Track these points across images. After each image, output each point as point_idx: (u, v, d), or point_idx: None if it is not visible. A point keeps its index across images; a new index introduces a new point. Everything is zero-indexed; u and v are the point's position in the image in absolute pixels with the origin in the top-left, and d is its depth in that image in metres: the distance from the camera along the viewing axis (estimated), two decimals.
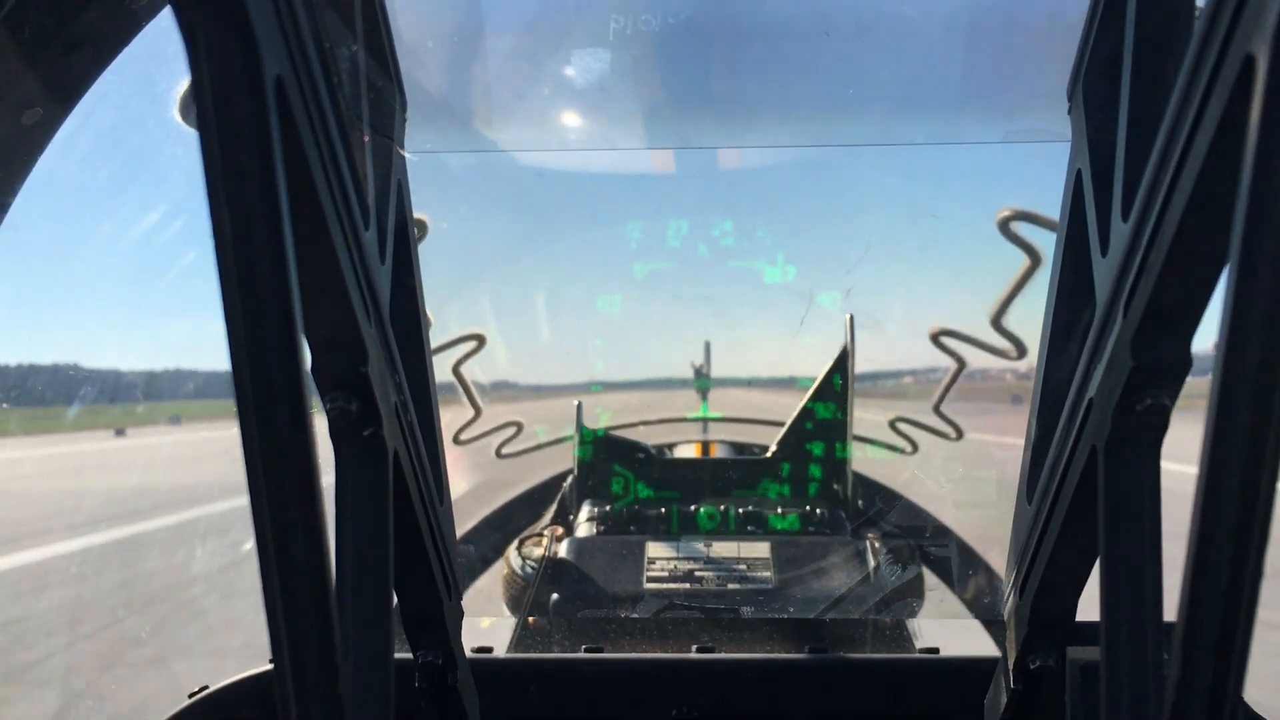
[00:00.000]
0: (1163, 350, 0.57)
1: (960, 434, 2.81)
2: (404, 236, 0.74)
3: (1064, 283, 0.78)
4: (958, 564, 2.21)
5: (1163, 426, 0.61)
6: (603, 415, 2.44)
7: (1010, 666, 0.84)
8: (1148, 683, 0.61)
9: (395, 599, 0.78)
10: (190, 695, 1.33)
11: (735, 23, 1.36)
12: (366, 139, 0.64)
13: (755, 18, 1.35)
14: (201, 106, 0.42)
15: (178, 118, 1.70)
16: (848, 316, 2.10)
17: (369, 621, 0.61)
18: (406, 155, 0.75)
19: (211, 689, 1.31)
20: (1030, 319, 2.28)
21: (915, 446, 2.99)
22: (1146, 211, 0.55)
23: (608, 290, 2.66)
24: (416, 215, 2.02)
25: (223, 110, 0.42)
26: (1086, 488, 0.67)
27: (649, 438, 2.84)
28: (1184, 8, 0.55)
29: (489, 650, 1.46)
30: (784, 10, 1.33)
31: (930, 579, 2.11)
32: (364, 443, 0.61)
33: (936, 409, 2.75)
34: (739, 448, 2.66)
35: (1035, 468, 0.80)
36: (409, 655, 0.86)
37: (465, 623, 2.16)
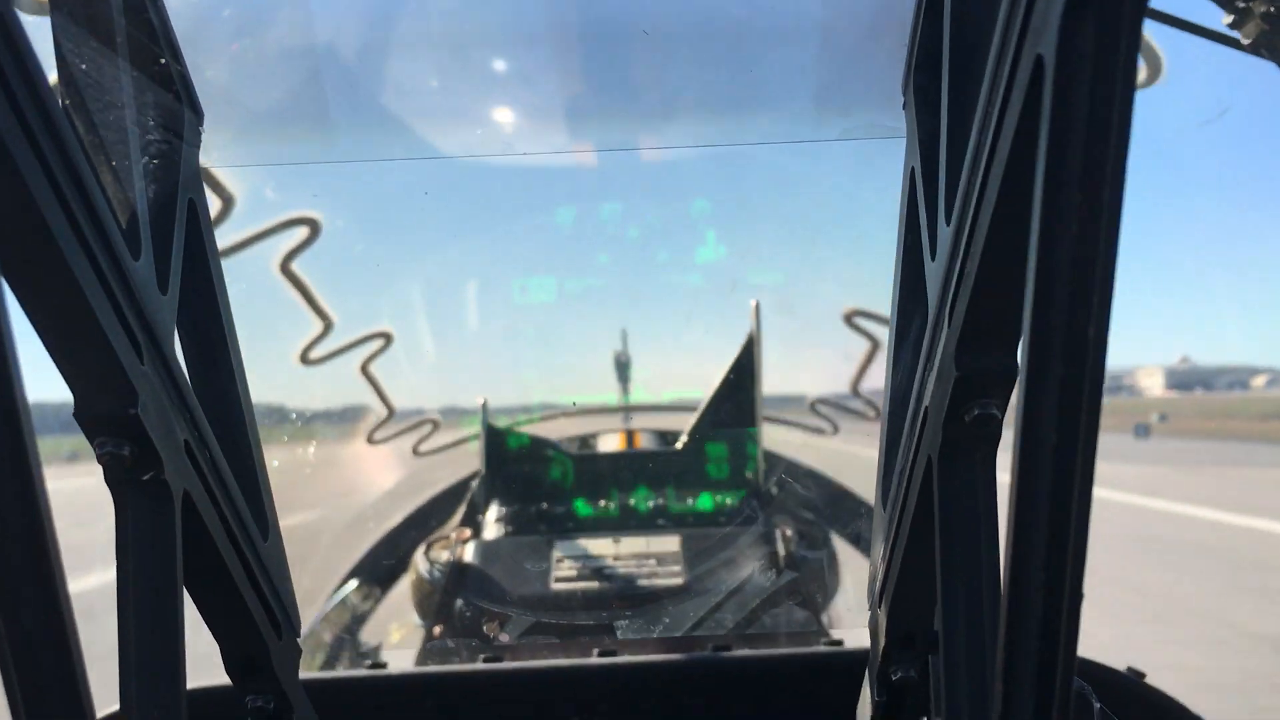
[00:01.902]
0: (987, 359, 0.55)
1: (878, 413, 2.82)
2: (199, 260, 0.68)
3: (903, 287, 0.75)
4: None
5: (994, 436, 0.59)
6: (511, 418, 2.39)
7: (875, 677, 0.82)
8: (985, 680, 0.59)
9: (218, 644, 0.73)
10: None
11: (571, 25, 1.32)
12: (137, 160, 0.58)
13: (600, 18, 1.31)
14: None
15: None
16: (753, 303, 2.08)
17: (158, 676, 0.56)
18: (212, 169, 0.68)
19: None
20: None
21: (836, 427, 3.00)
22: (964, 215, 0.52)
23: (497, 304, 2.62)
24: (308, 214, 1.95)
25: None
26: (925, 498, 0.65)
27: (569, 428, 2.80)
28: (989, 9, 0.52)
29: (383, 666, 1.41)
30: (620, 13, 1.29)
31: (848, 555, 2.10)
32: (143, 487, 0.56)
33: (854, 389, 2.76)
34: (660, 434, 2.63)
35: (886, 476, 0.78)
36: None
37: (377, 636, 2.10)
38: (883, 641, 0.78)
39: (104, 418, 0.53)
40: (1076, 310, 0.40)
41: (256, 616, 0.71)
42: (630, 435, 2.87)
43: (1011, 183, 0.46)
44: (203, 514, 0.62)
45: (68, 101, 0.47)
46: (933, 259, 0.62)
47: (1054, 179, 0.39)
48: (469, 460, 2.73)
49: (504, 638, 1.66)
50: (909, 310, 0.74)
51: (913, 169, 0.70)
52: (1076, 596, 0.44)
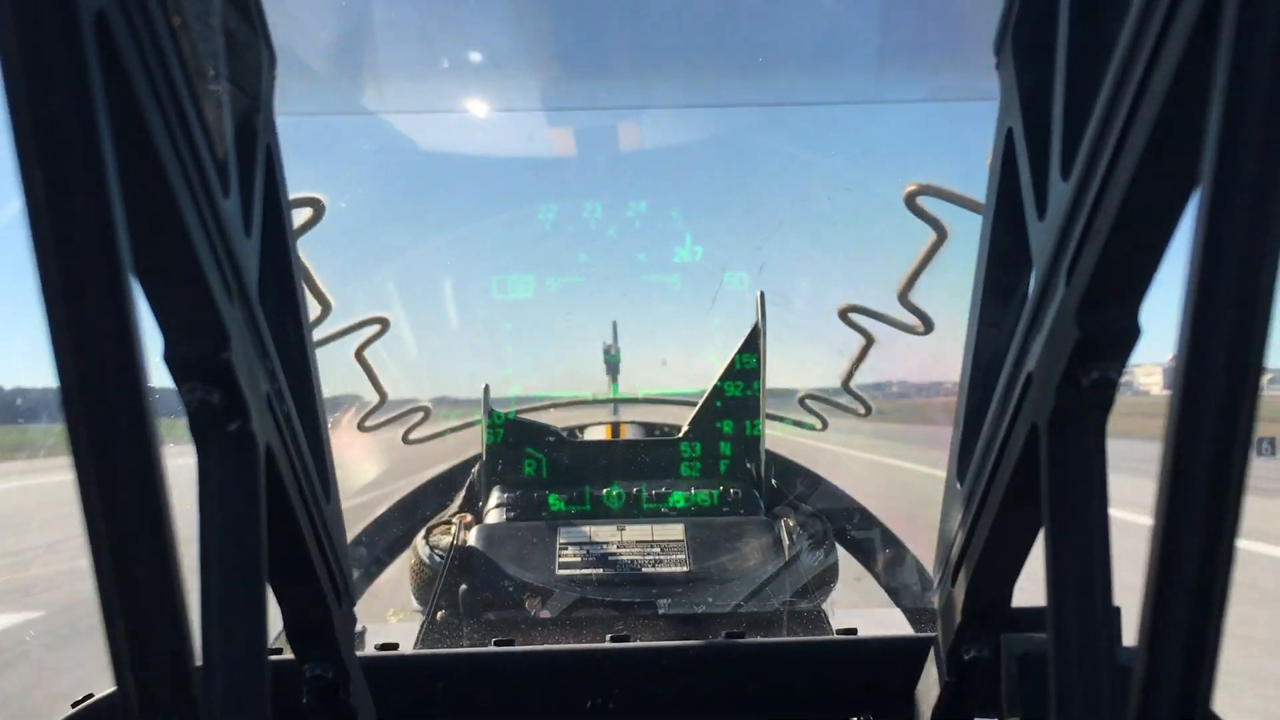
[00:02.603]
0: (1109, 319, 0.53)
1: (869, 410, 2.84)
2: (275, 207, 0.66)
3: (995, 250, 0.74)
4: (874, 545, 2.22)
5: (1109, 402, 0.57)
6: (512, 398, 2.37)
7: (944, 656, 0.81)
8: (1100, 671, 0.57)
9: (282, 608, 0.71)
10: (74, 704, 1.25)
11: None
12: (225, 95, 0.57)
13: None
14: (3, 44, 0.35)
15: None
16: (758, 294, 2.08)
17: (240, 635, 0.54)
18: (279, 118, 0.67)
19: (96, 697, 1.23)
20: (940, 294, 2.30)
21: (825, 423, 3.01)
22: (1091, 169, 0.51)
23: (517, 269, 2.59)
24: (314, 194, 1.93)
25: (28, 47, 0.35)
26: (1026, 468, 0.63)
27: (560, 421, 2.79)
28: None
29: (394, 647, 1.40)
30: None
31: (845, 560, 2.11)
32: (230, 438, 0.54)
33: (846, 385, 2.77)
34: (651, 429, 2.63)
35: (966, 448, 0.77)
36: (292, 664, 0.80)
37: (369, 619, 2.08)
38: (957, 619, 0.77)
39: (195, 361, 0.51)
40: (1246, 282, 0.38)
41: (323, 582, 0.70)
42: (616, 428, 2.87)
43: (1164, 131, 0.45)
44: (281, 470, 0.60)
45: (171, 28, 0.46)
46: (1041, 218, 0.61)
47: (1231, 125, 0.37)
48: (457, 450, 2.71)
49: (545, 614, 1.65)
50: (1004, 273, 0.73)
51: (1010, 129, 0.69)
52: (1224, 602, 0.43)
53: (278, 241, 0.66)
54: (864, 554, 2.21)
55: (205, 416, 0.53)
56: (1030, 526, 0.68)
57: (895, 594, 2.16)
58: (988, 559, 0.72)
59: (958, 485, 0.77)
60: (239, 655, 0.54)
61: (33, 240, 0.37)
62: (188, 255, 0.47)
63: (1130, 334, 0.53)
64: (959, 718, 0.83)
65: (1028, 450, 0.62)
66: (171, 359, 0.50)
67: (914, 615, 2.09)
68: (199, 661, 0.52)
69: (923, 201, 2.11)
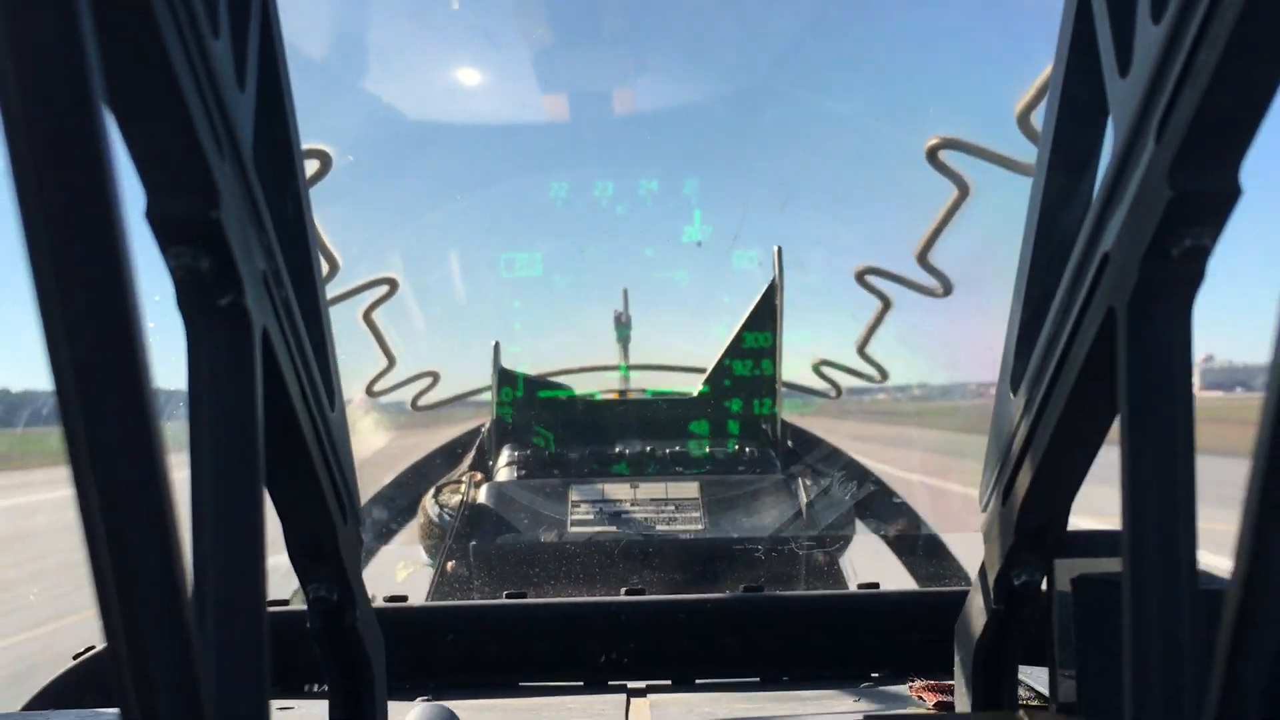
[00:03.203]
0: (1207, 179, 0.48)
1: (885, 375, 2.79)
2: (271, 63, 0.61)
3: (1064, 118, 0.68)
4: (888, 510, 2.18)
5: (1200, 275, 0.51)
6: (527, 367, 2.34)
7: (991, 582, 0.76)
8: (1180, 597, 0.51)
9: (282, 522, 0.67)
10: (75, 656, 1.22)
11: None
12: None
13: None
14: None
15: None
16: (775, 249, 2.03)
17: (233, 543, 0.49)
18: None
19: (97, 649, 1.20)
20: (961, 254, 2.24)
21: (839, 391, 2.96)
22: (1188, 10, 0.46)
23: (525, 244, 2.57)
24: (317, 145, 1.88)
25: None
26: (1097, 361, 0.57)
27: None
28: None
29: (403, 599, 1.36)
30: None
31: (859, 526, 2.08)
32: (221, 315, 0.49)
33: (861, 350, 2.72)
34: (656, 391, 2.59)
35: (1022, 351, 0.71)
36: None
37: (378, 575, 2.05)
38: (1009, 540, 0.71)
39: (181, 219, 0.45)
40: None
41: (327, 493, 0.65)
42: (624, 395, 2.83)
43: None
44: (280, 361, 0.55)
45: None
46: (1123, 74, 0.56)
47: None
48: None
49: (573, 557, 1.61)
50: (1075, 143, 0.68)
51: None
52: None
53: (274, 101, 0.61)
54: (877, 519, 2.18)
55: (193, 287, 0.47)
56: (1096, 431, 0.63)
57: (909, 558, 2.13)
58: (1044, 472, 0.66)
59: (1011, 394, 0.72)
60: (235, 566, 0.49)
61: None
62: (172, 95, 0.42)
63: (1230, 195, 0.47)
64: (1006, 650, 0.79)
65: (1100, 340, 0.56)
66: (155, 218, 0.45)
67: (926, 575, 2.05)
68: (191, 579, 0.47)
69: (946, 156, 2.05)
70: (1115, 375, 0.54)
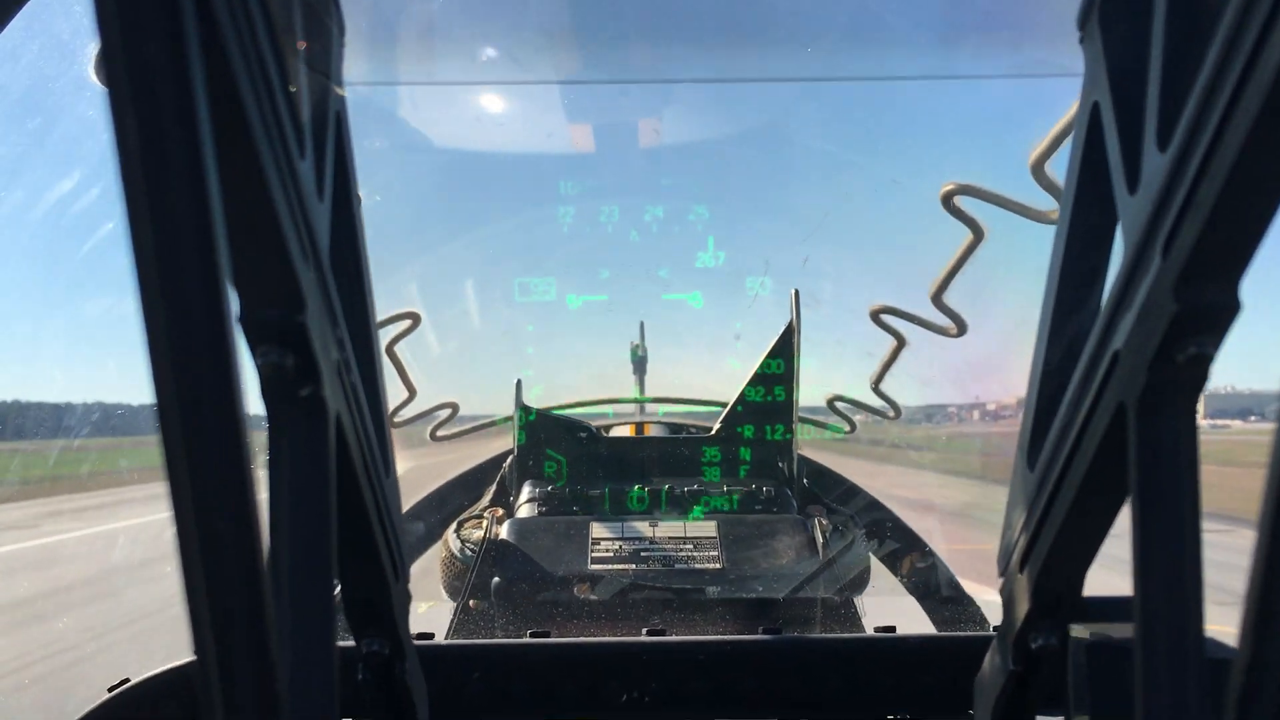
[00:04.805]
0: (1209, 293, 0.52)
1: (899, 412, 2.82)
2: (343, 173, 0.66)
3: (1077, 227, 0.72)
4: (904, 549, 2.20)
5: (1203, 379, 0.55)
6: (541, 394, 2.37)
7: (1009, 645, 0.79)
8: (1187, 665, 0.55)
9: (341, 583, 0.71)
10: (110, 689, 1.25)
11: None
12: (302, 59, 0.56)
13: None
14: (103, 11, 0.35)
15: (92, 76, 1.58)
16: (793, 292, 2.07)
17: (309, 608, 0.53)
18: (345, 87, 0.67)
19: (133, 682, 1.24)
20: (972, 295, 2.27)
21: (853, 426, 2.98)
22: (1193, 140, 0.50)
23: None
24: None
25: (128, 13, 0.35)
26: (1109, 449, 0.62)
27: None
28: None
29: (429, 636, 1.39)
30: None
31: (873, 562, 2.10)
32: (302, 404, 0.54)
33: (875, 387, 2.75)
34: (679, 428, 2.62)
35: (1039, 432, 0.75)
36: (350, 644, 0.79)
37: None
38: (1025, 607, 0.75)
39: (271, 323, 0.50)
40: None
41: (382, 554, 0.69)
42: (640, 428, 2.86)
43: (1274, 102, 0.43)
44: (348, 440, 0.60)
45: None
46: (1132, 192, 0.60)
47: None
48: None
49: (591, 596, 1.64)
50: (1081, 252, 0.72)
51: (1096, 103, 0.68)
52: None
53: (346, 207, 0.65)
54: (892, 557, 2.20)
55: (278, 382, 0.52)
56: (1108, 511, 0.67)
57: (923, 598, 2.15)
58: (1061, 545, 0.70)
59: (1028, 470, 0.76)
60: (311, 626, 0.53)
61: (125, 199, 0.37)
62: (268, 214, 0.46)
63: (1230, 309, 0.52)
64: (1022, 709, 0.82)
65: (1112, 431, 0.60)
66: (247, 322, 0.50)
67: (942, 618, 2.07)
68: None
69: (960, 202, 2.09)
70: (1126, 462, 0.58)
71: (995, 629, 1.29)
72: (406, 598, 0.78)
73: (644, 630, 1.41)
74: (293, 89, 0.51)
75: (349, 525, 0.65)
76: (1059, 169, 1.90)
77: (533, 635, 1.37)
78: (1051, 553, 0.71)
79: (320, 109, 0.61)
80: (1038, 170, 1.86)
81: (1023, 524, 0.76)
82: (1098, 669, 0.75)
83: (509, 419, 2.19)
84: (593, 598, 1.68)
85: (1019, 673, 0.78)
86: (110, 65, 0.37)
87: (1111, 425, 0.60)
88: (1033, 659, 0.77)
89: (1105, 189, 0.64)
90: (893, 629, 1.42)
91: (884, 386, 2.71)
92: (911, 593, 2.16)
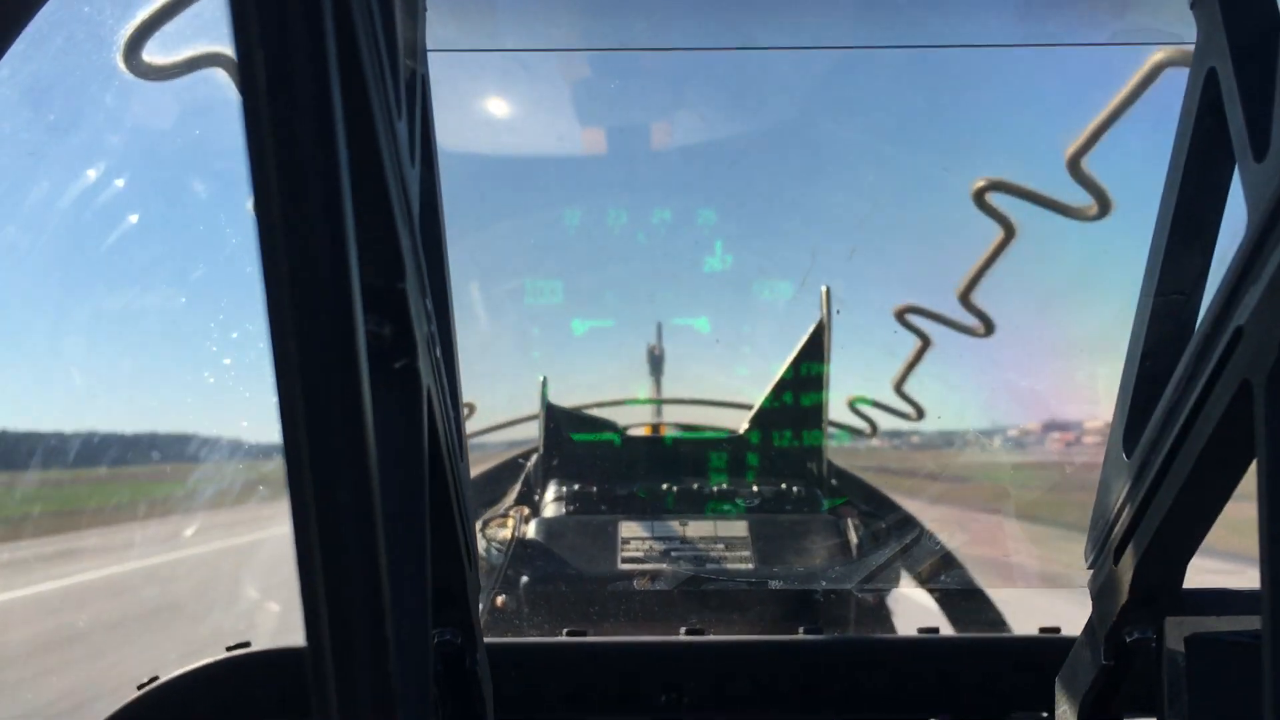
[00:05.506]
0: None
1: (922, 414, 2.79)
2: (427, 141, 0.63)
3: (1185, 199, 0.70)
4: (925, 552, 2.18)
5: None
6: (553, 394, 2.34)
7: (1103, 638, 0.77)
8: None
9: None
10: (139, 687, 1.23)
11: None
12: (398, 14, 0.54)
13: None
14: None
15: (121, 65, 1.55)
16: (823, 289, 2.05)
17: (408, 592, 0.51)
18: (429, 50, 0.64)
19: (162, 680, 1.21)
20: (1000, 297, 2.25)
21: (875, 429, 2.96)
22: None
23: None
24: None
25: None
26: (1229, 430, 0.59)
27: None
28: None
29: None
30: None
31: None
32: (396, 376, 0.51)
33: (898, 388, 2.72)
34: (700, 429, 2.59)
35: (1137, 417, 0.72)
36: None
37: None
38: (1122, 598, 0.73)
39: (373, 289, 0.48)
40: None
41: (460, 543, 0.67)
42: (656, 429, 2.83)
43: None
44: (436, 418, 0.57)
45: None
46: (1259, 158, 0.57)
47: None
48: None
49: (635, 587, 1.61)
50: (1191, 226, 0.69)
51: (1212, 68, 0.65)
52: None
53: (431, 174, 0.63)
54: (914, 560, 2.18)
55: (375, 351, 0.49)
56: (1221, 497, 0.64)
57: (947, 602, 2.12)
58: (1163, 534, 0.67)
59: (1124, 457, 0.73)
60: (410, 611, 0.51)
61: (250, 154, 0.34)
62: (377, 174, 0.44)
63: None
64: (1112, 705, 0.79)
65: (1232, 411, 0.57)
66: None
67: (965, 621, 2.05)
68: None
69: (992, 198, 2.07)
70: (1249, 443, 0.55)
71: (1041, 630, 1.26)
72: (479, 587, 0.75)
73: (682, 630, 1.38)
74: (393, 42, 0.48)
75: (435, 508, 0.62)
76: (1094, 165, 1.88)
77: (569, 634, 1.35)
78: (1153, 542, 0.68)
79: (409, 71, 0.58)
80: (1074, 166, 1.84)
81: (1118, 512, 0.73)
82: (1197, 665, 0.72)
83: (533, 417, 2.17)
84: (622, 596, 1.66)
85: (1110, 667, 0.76)
86: (241, 27, 0.35)
87: (1232, 404, 0.57)
88: (1126, 653, 0.75)
89: (1221, 157, 0.62)
90: (935, 630, 1.39)
91: (910, 389, 2.69)
92: (933, 593, 2.14)
